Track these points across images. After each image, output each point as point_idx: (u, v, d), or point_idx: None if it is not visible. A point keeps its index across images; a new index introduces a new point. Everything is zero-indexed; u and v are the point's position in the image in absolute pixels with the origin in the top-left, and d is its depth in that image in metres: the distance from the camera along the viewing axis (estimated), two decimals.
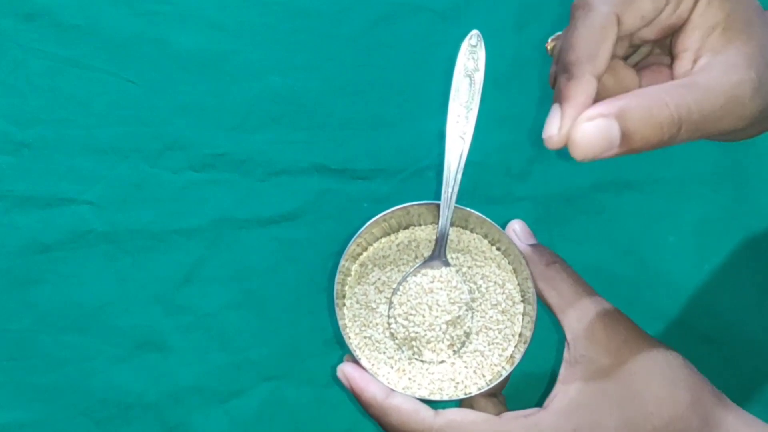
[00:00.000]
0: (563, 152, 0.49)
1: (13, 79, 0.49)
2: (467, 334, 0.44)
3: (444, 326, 0.43)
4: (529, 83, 0.50)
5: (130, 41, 0.49)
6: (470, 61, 0.42)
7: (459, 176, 0.42)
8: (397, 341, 0.44)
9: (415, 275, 0.44)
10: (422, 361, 0.44)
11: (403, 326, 0.43)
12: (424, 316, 0.43)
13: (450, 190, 0.42)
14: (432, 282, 0.44)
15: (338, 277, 0.43)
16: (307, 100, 0.50)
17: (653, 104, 0.30)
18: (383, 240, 0.46)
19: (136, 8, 0.49)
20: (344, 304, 0.45)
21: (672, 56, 0.34)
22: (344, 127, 0.50)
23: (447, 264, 0.44)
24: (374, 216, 0.43)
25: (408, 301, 0.44)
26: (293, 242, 0.49)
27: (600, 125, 0.30)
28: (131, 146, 0.49)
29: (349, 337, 0.44)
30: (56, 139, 0.48)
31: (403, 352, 0.44)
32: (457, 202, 0.43)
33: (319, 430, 0.48)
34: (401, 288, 0.44)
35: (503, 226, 0.44)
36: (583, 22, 0.32)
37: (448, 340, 0.43)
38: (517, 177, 0.50)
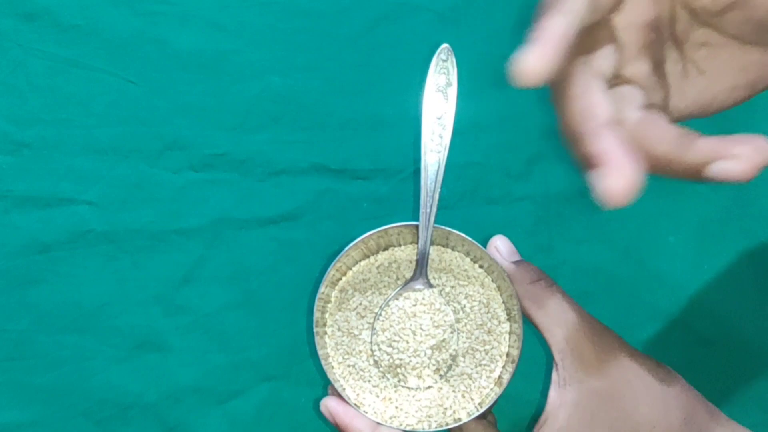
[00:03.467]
0: (563, 152, 0.49)
1: (13, 79, 0.49)
2: (453, 357, 0.42)
3: (429, 351, 0.42)
4: None
5: (130, 41, 0.49)
6: (441, 76, 0.41)
7: (437, 195, 0.41)
8: (381, 369, 0.43)
9: (397, 299, 0.43)
10: (408, 388, 0.42)
11: (387, 353, 0.42)
12: (408, 342, 0.42)
13: (428, 209, 0.41)
14: (414, 305, 0.43)
15: (317, 305, 0.42)
16: (307, 100, 0.50)
17: None
18: (362, 263, 0.45)
19: (136, 8, 0.49)
20: (325, 333, 0.44)
21: None
22: (344, 127, 0.50)
23: (429, 285, 0.43)
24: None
25: (391, 326, 0.42)
26: (293, 242, 0.49)
27: None
28: (131, 146, 0.49)
29: (332, 367, 0.43)
30: (56, 139, 0.48)
31: (388, 379, 0.43)
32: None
33: (318, 430, 0.48)
34: (383, 313, 0.43)
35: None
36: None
37: (434, 364, 0.42)
38: (517, 177, 0.49)
